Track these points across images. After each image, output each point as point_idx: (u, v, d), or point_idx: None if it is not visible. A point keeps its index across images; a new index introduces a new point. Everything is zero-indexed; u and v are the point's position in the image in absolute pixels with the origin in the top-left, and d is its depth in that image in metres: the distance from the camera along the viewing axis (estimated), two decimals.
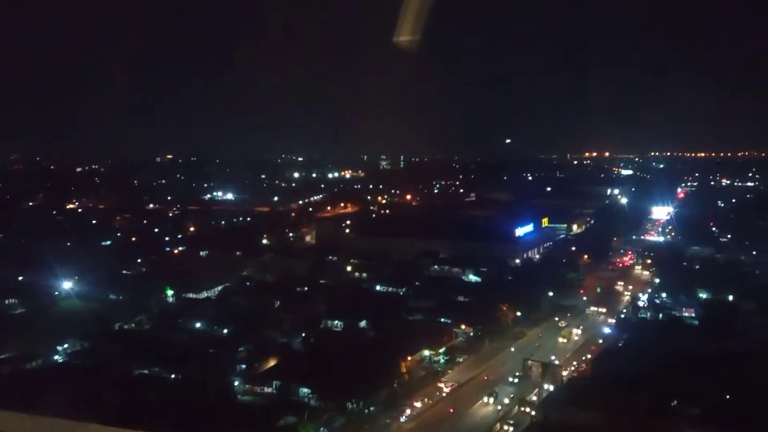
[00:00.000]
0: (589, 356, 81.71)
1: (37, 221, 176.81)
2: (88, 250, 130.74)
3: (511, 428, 62.63)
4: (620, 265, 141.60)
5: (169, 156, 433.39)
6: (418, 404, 67.70)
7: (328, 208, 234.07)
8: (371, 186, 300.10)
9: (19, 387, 60.32)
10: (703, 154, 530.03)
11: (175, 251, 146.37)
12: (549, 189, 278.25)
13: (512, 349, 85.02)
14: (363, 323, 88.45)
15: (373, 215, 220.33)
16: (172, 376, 70.00)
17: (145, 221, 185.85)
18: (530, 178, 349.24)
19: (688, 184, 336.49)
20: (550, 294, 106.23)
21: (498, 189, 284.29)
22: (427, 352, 79.82)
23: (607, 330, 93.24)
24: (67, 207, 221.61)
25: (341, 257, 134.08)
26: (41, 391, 58.11)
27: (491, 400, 68.19)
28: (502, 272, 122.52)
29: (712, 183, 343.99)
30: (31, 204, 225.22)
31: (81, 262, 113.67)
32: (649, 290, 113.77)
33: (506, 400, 68.47)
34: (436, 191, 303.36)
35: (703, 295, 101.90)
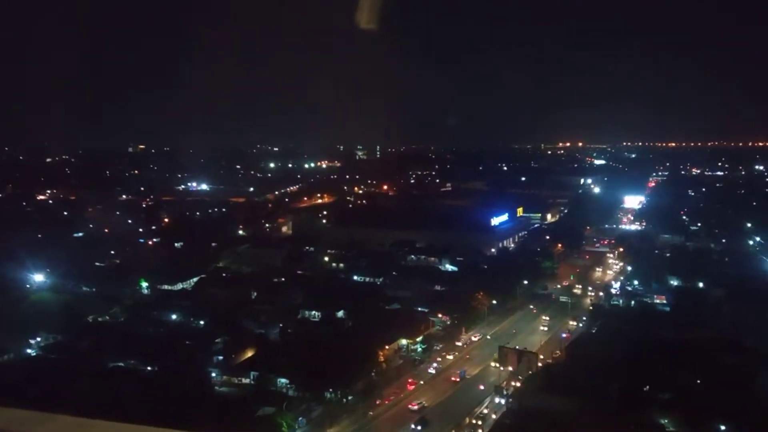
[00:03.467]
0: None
1: (6, 213, 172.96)
2: (59, 242, 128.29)
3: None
4: (594, 253, 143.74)
5: (141, 146, 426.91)
6: None
7: (305, 198, 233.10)
8: (347, 176, 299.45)
9: None
10: (674, 144, 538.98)
11: (149, 242, 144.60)
12: (523, 179, 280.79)
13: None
14: (340, 313, 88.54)
15: (350, 205, 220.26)
16: (148, 368, 69.42)
17: (117, 212, 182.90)
18: (505, 168, 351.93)
19: (660, 173, 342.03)
20: (525, 282, 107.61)
21: (473, 179, 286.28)
22: (404, 341, 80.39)
23: (564, 335, 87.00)
24: (37, 198, 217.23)
25: (318, 248, 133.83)
26: (14, 385, 57.25)
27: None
28: (477, 261, 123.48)
29: (683, 172, 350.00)
30: None
31: (52, 254, 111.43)
32: (622, 278, 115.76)
33: None
34: (412, 181, 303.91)
35: (674, 283, 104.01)
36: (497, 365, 74.41)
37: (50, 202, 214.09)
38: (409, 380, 72.64)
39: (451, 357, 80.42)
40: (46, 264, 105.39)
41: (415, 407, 64.87)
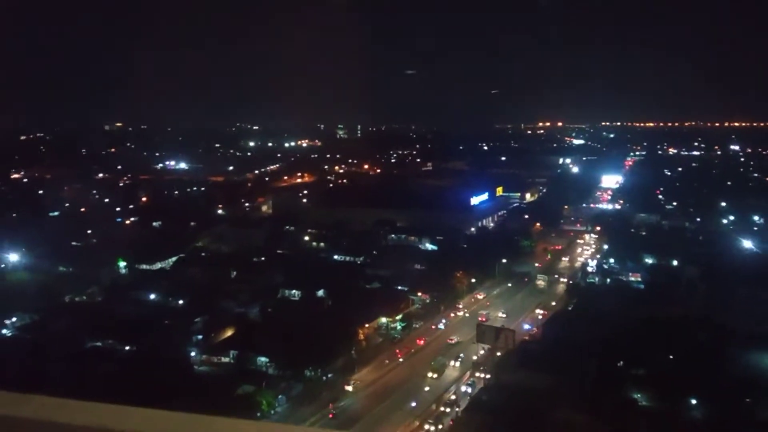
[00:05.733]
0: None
1: None
2: (35, 221, 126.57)
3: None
4: (571, 232, 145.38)
5: (119, 124, 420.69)
6: None
7: (285, 177, 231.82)
8: (328, 155, 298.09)
9: None
10: (651, 124, 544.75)
11: (127, 222, 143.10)
12: (503, 158, 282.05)
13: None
14: (320, 292, 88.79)
15: (330, 185, 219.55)
16: (126, 348, 69.21)
17: (94, 191, 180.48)
18: (485, 147, 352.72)
19: (637, 153, 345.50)
20: (504, 261, 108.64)
21: (454, 158, 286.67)
22: (384, 320, 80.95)
23: (526, 326, 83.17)
24: (12, 177, 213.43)
25: (298, 227, 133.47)
26: None
27: None
28: (457, 241, 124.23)
29: (660, 152, 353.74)
30: None
31: (28, 233, 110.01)
32: (598, 256, 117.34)
33: None
34: (393, 161, 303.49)
35: (649, 261, 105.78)
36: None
37: (25, 181, 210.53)
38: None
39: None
40: (22, 244, 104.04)
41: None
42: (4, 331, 75.41)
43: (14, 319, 77.18)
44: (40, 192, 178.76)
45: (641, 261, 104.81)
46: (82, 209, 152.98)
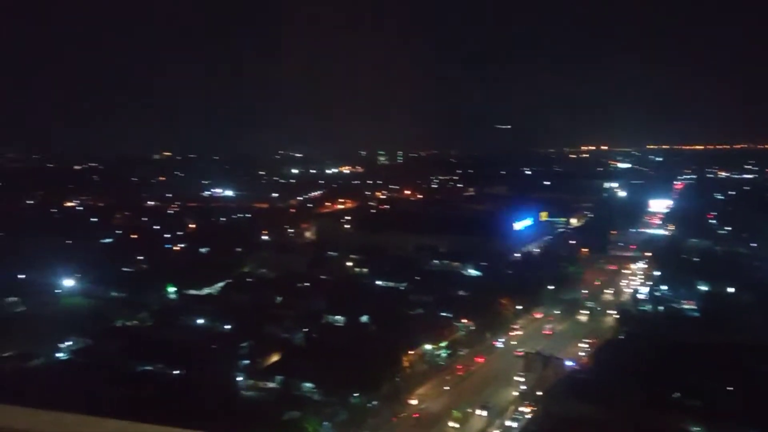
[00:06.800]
0: None
1: (37, 219, 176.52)
2: (88, 247, 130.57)
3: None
4: (620, 258, 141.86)
5: (167, 153, 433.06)
6: None
7: (327, 203, 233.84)
8: (369, 181, 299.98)
9: (21, 385, 60.47)
10: (700, 147, 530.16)
11: (176, 248, 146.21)
12: (547, 183, 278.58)
13: None
14: (364, 318, 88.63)
15: (372, 210, 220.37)
16: (175, 372, 70.19)
17: (144, 218, 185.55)
18: (528, 172, 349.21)
19: (686, 176, 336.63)
20: (550, 287, 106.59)
21: (496, 183, 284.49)
22: (428, 346, 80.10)
23: (569, 362, 75.74)
24: (66, 205, 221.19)
25: (341, 252, 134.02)
26: (44, 388, 58.28)
27: None
28: (501, 266, 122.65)
29: (710, 175, 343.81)
30: (30, 202, 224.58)
31: (81, 259, 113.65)
32: (649, 283, 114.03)
33: None
34: (434, 186, 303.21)
35: (703, 288, 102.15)
36: None
37: (78, 208, 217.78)
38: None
39: None
40: (76, 270, 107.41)
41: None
42: (59, 354, 77.53)
43: (69, 343, 79.37)
44: (93, 219, 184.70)
45: (695, 288, 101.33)
46: (133, 236, 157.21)
